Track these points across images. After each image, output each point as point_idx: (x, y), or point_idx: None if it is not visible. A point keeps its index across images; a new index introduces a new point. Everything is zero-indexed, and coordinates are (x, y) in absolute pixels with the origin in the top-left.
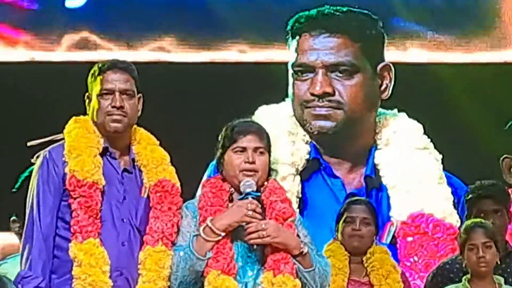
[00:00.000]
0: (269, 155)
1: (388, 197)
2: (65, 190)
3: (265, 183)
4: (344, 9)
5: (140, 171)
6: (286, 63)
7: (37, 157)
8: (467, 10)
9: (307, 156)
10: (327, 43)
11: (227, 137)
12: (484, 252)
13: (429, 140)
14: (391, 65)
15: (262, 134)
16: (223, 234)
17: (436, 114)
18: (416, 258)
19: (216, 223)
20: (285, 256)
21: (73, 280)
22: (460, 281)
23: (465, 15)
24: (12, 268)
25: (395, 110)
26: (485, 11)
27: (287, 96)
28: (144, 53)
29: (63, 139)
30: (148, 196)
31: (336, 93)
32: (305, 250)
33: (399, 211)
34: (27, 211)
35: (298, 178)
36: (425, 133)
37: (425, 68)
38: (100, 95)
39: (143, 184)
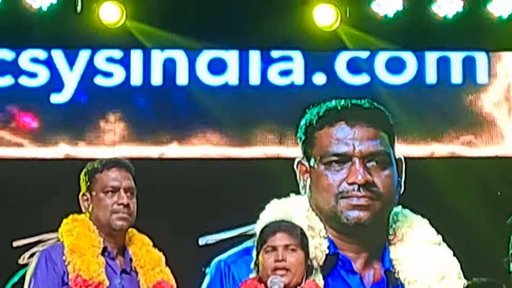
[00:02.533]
0: (307, 254)
1: None
2: None
3: (302, 283)
4: (364, 101)
5: (136, 272)
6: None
7: (29, 257)
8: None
9: (327, 251)
10: (362, 133)
11: (259, 239)
12: None
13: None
14: (403, 159)
15: (293, 231)
16: None
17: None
18: None
19: None
20: None
21: None
22: None
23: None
24: None
25: (399, 206)
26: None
27: (294, 191)
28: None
29: (52, 239)
30: None
31: (375, 183)
32: None
33: None
34: None
35: (320, 275)
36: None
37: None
38: (105, 192)
39: (140, 285)
